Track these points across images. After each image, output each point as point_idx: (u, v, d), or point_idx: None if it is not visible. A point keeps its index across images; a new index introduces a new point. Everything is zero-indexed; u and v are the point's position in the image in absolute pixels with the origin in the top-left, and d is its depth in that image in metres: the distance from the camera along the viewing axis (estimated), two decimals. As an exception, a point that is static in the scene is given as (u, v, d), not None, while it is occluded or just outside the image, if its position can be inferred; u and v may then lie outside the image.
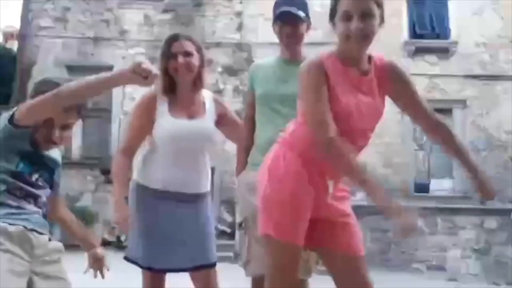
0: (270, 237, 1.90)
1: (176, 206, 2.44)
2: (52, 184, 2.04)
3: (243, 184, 2.58)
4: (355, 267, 1.97)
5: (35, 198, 1.91)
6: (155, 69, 1.83)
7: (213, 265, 2.50)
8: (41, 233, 1.88)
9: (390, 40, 11.77)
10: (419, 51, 12.19)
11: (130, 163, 2.50)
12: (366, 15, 1.84)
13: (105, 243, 9.90)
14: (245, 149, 2.65)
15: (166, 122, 2.43)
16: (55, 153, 2.07)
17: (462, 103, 12.11)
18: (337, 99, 1.86)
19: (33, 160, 1.91)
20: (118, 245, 9.80)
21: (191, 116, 2.48)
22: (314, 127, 1.85)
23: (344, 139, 1.83)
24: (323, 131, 1.81)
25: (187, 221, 2.46)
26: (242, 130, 2.67)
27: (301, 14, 2.57)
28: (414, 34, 12.34)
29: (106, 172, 10.48)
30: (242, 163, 2.66)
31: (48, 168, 2.00)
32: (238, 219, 2.64)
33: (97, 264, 2.23)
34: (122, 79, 1.84)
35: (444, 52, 12.27)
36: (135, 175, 2.55)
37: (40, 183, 1.94)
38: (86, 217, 9.57)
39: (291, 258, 1.90)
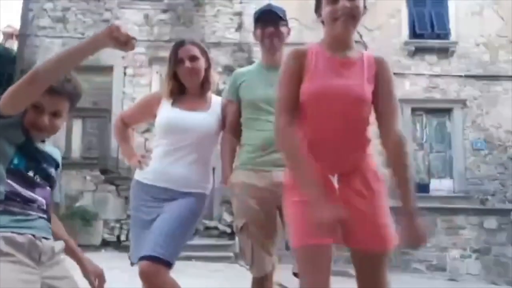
0: (294, 247, 1.89)
1: (162, 203, 2.44)
2: (51, 184, 1.97)
3: (240, 186, 2.59)
4: (371, 265, 1.93)
5: (35, 201, 1.85)
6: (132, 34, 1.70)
7: (154, 258, 2.26)
8: (47, 238, 1.85)
9: (390, 40, 11.80)
10: (419, 51, 12.19)
11: (127, 129, 2.75)
12: None
13: (105, 243, 9.90)
14: (231, 154, 2.70)
15: (166, 111, 2.54)
16: (54, 152, 2.02)
17: (462, 103, 12.11)
18: (312, 80, 1.89)
19: (28, 153, 1.84)
20: (118, 245, 9.80)
21: (192, 109, 2.54)
22: (275, 114, 1.93)
23: (325, 124, 1.87)
24: (278, 118, 1.90)
25: (162, 214, 2.41)
26: (225, 136, 2.71)
27: (281, 15, 2.69)
28: (414, 34, 12.34)
29: (106, 172, 10.50)
30: (231, 166, 2.69)
31: (45, 164, 1.92)
32: (236, 223, 2.63)
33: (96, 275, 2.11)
34: (99, 44, 1.70)
35: (444, 52, 12.27)
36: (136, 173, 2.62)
37: (38, 180, 1.88)
38: (86, 217, 9.56)
39: (314, 259, 1.83)
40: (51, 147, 2.03)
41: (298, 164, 1.82)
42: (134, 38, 1.68)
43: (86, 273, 2.05)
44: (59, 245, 1.91)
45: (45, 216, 1.88)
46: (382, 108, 1.98)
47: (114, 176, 10.42)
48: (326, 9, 1.90)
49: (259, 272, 2.57)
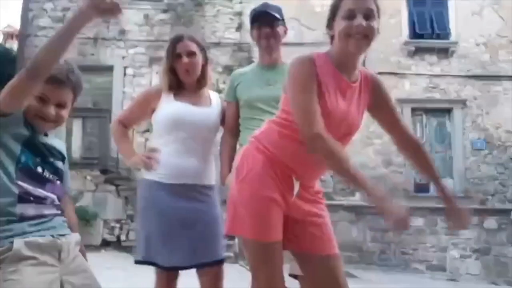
0: (245, 238, 1.92)
1: (179, 199, 2.44)
2: (60, 177, 1.94)
3: None
4: (327, 268, 1.97)
5: (47, 199, 1.84)
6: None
7: (219, 262, 2.46)
8: (64, 235, 1.84)
9: (390, 40, 11.79)
10: (419, 51, 12.19)
11: (126, 131, 2.69)
12: (369, 16, 1.85)
13: (105, 243, 9.90)
14: (230, 154, 2.70)
15: (171, 105, 2.51)
16: (58, 144, 1.99)
17: (462, 103, 12.11)
18: (322, 98, 1.86)
19: (34, 148, 1.82)
20: (118, 245, 9.80)
21: (195, 103, 2.54)
22: (303, 121, 1.82)
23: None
24: (313, 126, 1.79)
25: (193, 215, 2.44)
26: (224, 137, 2.72)
27: (277, 15, 2.68)
28: (414, 34, 12.34)
29: (106, 172, 10.49)
30: (229, 166, 2.69)
31: (51, 158, 1.90)
32: None
33: None
34: (84, 17, 1.61)
35: (444, 52, 12.27)
36: (143, 173, 2.56)
37: (47, 176, 1.86)
38: (86, 217, 9.55)
39: (269, 255, 1.88)
40: (55, 139, 1.99)
41: (354, 173, 1.80)
42: (119, 5, 1.59)
43: None
44: (73, 239, 1.89)
45: (58, 212, 1.88)
46: (390, 118, 2.10)
47: (114, 176, 10.42)
48: (341, 24, 1.87)
49: None
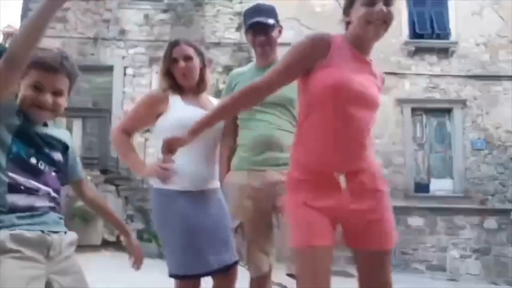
0: (292, 248, 1.90)
1: (194, 204, 2.43)
2: (58, 169, 1.89)
3: (235, 187, 2.59)
4: (376, 265, 1.94)
5: (39, 190, 1.79)
6: None
7: (236, 263, 2.49)
8: (57, 232, 1.80)
9: (390, 40, 11.78)
10: (419, 51, 12.20)
11: (130, 141, 2.56)
12: (388, 1, 1.90)
13: (105, 243, 9.89)
14: (228, 154, 2.70)
15: (182, 109, 2.46)
16: (60, 133, 1.94)
17: (462, 103, 12.11)
18: (334, 69, 1.87)
19: (27, 138, 1.78)
20: (118, 245, 9.80)
21: (203, 107, 2.51)
22: (267, 74, 1.98)
23: (340, 112, 1.86)
24: (264, 77, 1.97)
25: (213, 221, 2.45)
26: (223, 138, 2.70)
27: (271, 22, 2.67)
28: (414, 34, 12.34)
29: (106, 172, 10.50)
30: (228, 167, 2.69)
31: (46, 149, 1.85)
32: (231, 223, 2.63)
33: (138, 253, 2.25)
34: None
35: (444, 52, 12.28)
36: (152, 182, 2.49)
37: (41, 167, 1.81)
38: (86, 217, 9.55)
39: (313, 262, 1.83)
40: (56, 129, 1.94)
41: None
42: None
43: (129, 245, 2.25)
44: (68, 238, 1.86)
45: (54, 205, 1.84)
46: None
47: (114, 176, 10.42)
48: (361, 10, 1.89)
49: (256, 272, 2.57)
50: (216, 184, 2.56)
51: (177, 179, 2.34)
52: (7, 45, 15.22)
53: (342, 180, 1.88)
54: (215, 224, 2.44)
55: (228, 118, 2.47)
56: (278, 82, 1.96)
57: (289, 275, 2.29)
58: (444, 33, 12.45)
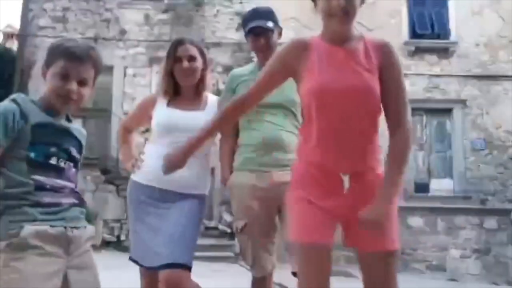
0: (292, 242, 1.90)
1: (160, 204, 2.45)
2: (76, 164, 1.90)
3: (241, 188, 2.59)
4: (381, 266, 1.90)
5: (64, 188, 1.81)
6: None
7: (175, 265, 2.29)
8: (78, 227, 1.82)
9: (390, 40, 11.74)
10: (419, 51, 12.20)
11: (128, 135, 2.77)
12: None
13: (105, 243, 9.90)
14: (230, 155, 2.70)
15: (162, 111, 2.55)
16: (78, 131, 1.96)
17: (462, 103, 12.11)
18: (312, 74, 1.87)
19: (47, 136, 1.78)
20: (118, 245, 9.80)
21: (188, 108, 2.53)
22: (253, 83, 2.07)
23: (333, 116, 1.85)
24: (249, 89, 2.07)
25: (168, 218, 2.42)
26: (224, 136, 2.72)
27: (270, 25, 2.67)
28: (414, 34, 12.34)
29: (106, 172, 10.50)
30: (230, 167, 2.69)
31: (66, 144, 1.85)
32: (236, 224, 2.63)
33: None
34: None
35: (444, 52, 12.28)
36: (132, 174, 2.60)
37: (62, 165, 1.82)
38: (86, 217, 9.56)
39: (310, 258, 1.83)
40: (77, 127, 1.97)
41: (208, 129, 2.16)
42: None
43: None
44: (88, 233, 1.88)
45: (76, 201, 1.86)
46: (388, 100, 1.88)
47: (114, 176, 10.42)
48: (320, 4, 1.89)
49: (260, 272, 2.58)
50: (199, 190, 2.53)
51: (145, 173, 2.49)
52: (7, 45, 15.17)
53: (346, 180, 1.88)
54: (172, 223, 2.38)
55: (217, 133, 2.48)
56: (261, 92, 2.06)
57: (294, 273, 2.29)
58: (444, 33, 12.46)
